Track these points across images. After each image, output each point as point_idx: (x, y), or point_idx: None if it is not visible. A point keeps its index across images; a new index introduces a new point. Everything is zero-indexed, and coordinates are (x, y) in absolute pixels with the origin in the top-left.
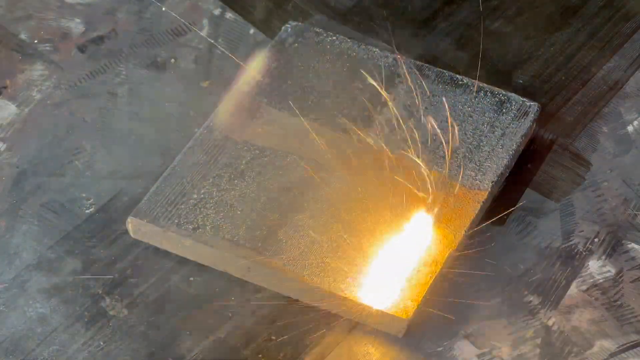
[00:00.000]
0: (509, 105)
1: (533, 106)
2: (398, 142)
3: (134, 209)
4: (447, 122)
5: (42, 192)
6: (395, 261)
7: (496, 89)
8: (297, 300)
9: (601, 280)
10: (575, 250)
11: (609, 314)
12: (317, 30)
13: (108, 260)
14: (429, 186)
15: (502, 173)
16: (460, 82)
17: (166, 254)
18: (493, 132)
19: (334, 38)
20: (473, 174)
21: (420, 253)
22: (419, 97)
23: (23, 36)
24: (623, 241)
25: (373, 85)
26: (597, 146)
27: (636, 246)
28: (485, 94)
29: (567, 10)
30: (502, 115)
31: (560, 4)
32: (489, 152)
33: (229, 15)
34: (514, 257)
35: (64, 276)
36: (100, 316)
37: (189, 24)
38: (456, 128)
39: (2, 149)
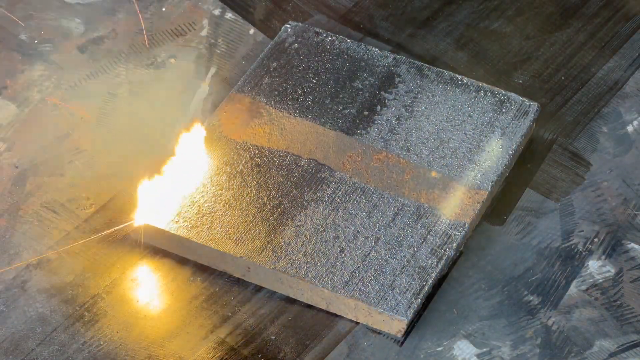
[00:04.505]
0: (508, 105)
1: (533, 106)
2: (398, 141)
3: (134, 209)
4: (446, 121)
5: (42, 192)
6: (394, 261)
7: (496, 89)
8: (297, 300)
9: (601, 280)
10: (575, 250)
11: (608, 314)
12: (317, 30)
13: (108, 261)
14: (426, 185)
15: (502, 173)
16: (460, 82)
17: (166, 254)
18: (493, 132)
19: (334, 38)
20: (473, 173)
21: (419, 252)
22: (419, 97)
23: (23, 36)
24: (623, 241)
25: (373, 85)
26: (597, 146)
27: (636, 246)
28: (485, 94)
29: (567, 10)
30: (502, 114)
31: (560, 4)
32: (489, 151)
33: (229, 15)
34: (514, 257)
35: (64, 276)
36: (100, 316)
37: (189, 24)
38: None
39: (2, 149)
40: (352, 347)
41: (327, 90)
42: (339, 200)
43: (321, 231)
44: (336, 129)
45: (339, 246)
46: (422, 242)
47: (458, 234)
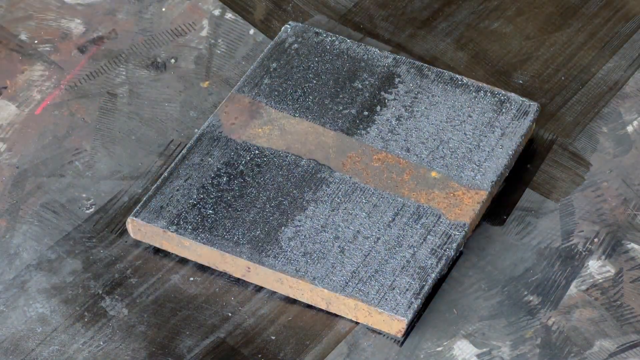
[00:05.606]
0: (508, 105)
1: (533, 106)
2: (398, 142)
3: (133, 209)
4: (446, 122)
5: (42, 192)
6: (394, 261)
7: (496, 89)
8: (297, 300)
9: (601, 280)
10: (575, 250)
11: (608, 314)
12: (317, 30)
13: (108, 260)
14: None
15: (502, 173)
16: (460, 82)
17: (166, 254)
18: (493, 132)
19: (334, 38)
20: (473, 174)
21: (419, 252)
22: (419, 97)
23: (23, 36)
24: (623, 241)
25: (373, 85)
26: (597, 146)
27: (636, 246)
28: (485, 94)
29: (567, 10)
30: (502, 115)
31: (560, 4)
32: (489, 152)
33: (229, 15)
34: (514, 257)
35: (64, 276)
36: (100, 316)
37: (189, 24)
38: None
39: (2, 149)
40: (352, 347)
41: (327, 91)
42: (339, 200)
43: (321, 231)
44: (336, 129)
45: (339, 246)
46: (422, 242)
47: (458, 234)
